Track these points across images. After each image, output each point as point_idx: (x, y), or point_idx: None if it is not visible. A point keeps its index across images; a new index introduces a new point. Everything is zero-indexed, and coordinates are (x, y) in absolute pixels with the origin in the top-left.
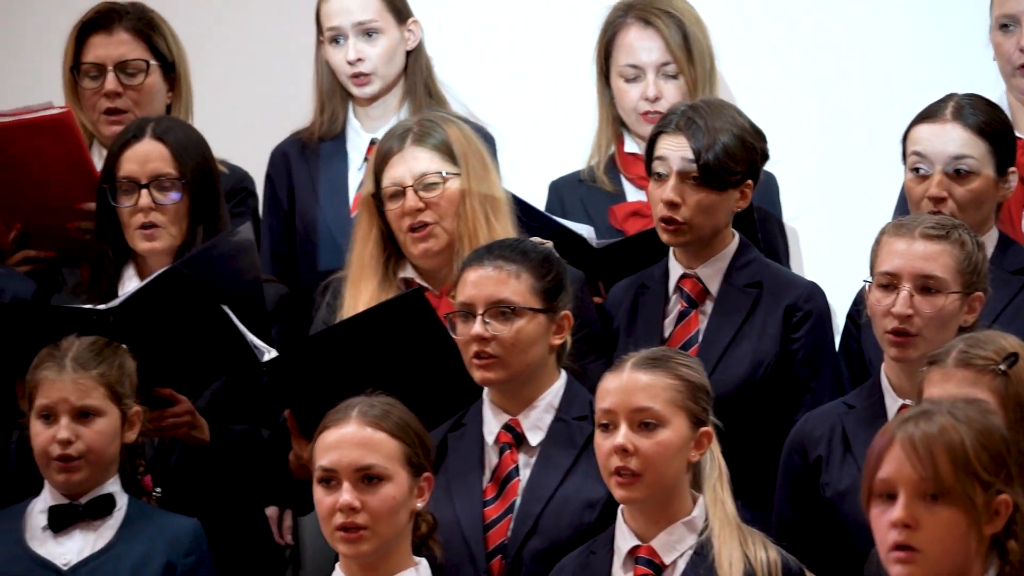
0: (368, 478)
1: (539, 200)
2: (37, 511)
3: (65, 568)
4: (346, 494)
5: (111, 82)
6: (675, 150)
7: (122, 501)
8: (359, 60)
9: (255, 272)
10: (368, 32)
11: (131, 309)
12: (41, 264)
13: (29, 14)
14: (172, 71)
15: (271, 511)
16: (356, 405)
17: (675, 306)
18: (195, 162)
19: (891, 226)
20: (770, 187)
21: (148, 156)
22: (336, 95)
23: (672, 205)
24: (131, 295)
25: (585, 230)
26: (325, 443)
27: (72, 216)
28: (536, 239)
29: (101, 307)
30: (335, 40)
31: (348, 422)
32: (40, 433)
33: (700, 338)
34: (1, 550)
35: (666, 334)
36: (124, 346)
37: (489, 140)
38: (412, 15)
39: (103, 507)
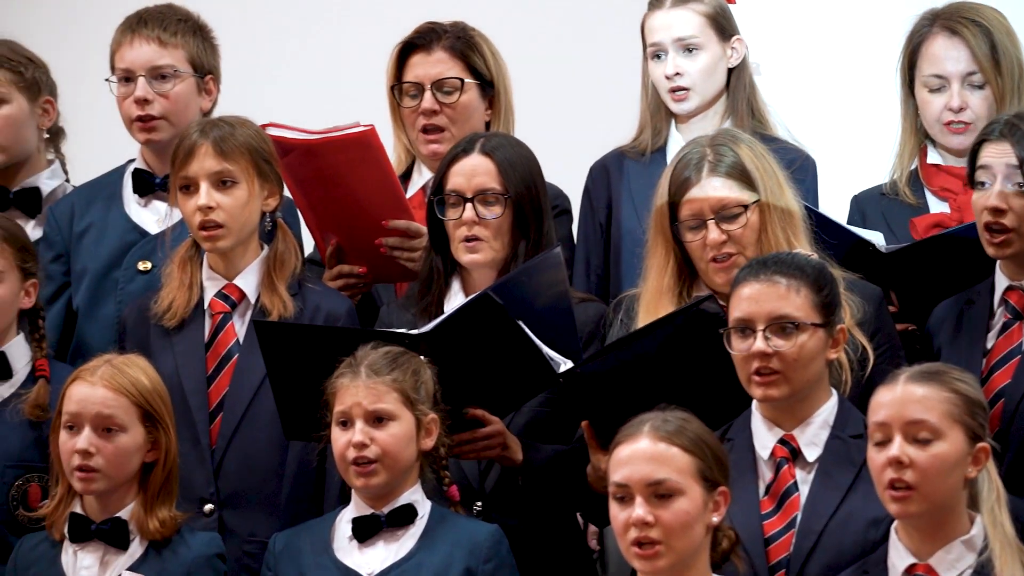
0: (661, 493)
1: (841, 214)
2: (344, 521)
3: None
4: (639, 509)
5: (428, 100)
6: (999, 157)
7: (424, 509)
8: (677, 75)
9: (563, 291)
10: (688, 48)
11: (442, 333)
12: (354, 280)
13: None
14: (491, 89)
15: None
16: (648, 420)
17: (999, 319)
18: (521, 179)
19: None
20: None
21: (475, 171)
22: (660, 111)
23: (997, 211)
24: (441, 321)
25: (875, 236)
26: (618, 458)
27: (379, 233)
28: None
29: (412, 332)
30: (656, 55)
31: (640, 437)
32: (338, 439)
33: (1022, 350)
34: (311, 559)
35: (988, 346)
36: (421, 356)
37: (809, 167)
38: (737, 32)
39: (405, 516)
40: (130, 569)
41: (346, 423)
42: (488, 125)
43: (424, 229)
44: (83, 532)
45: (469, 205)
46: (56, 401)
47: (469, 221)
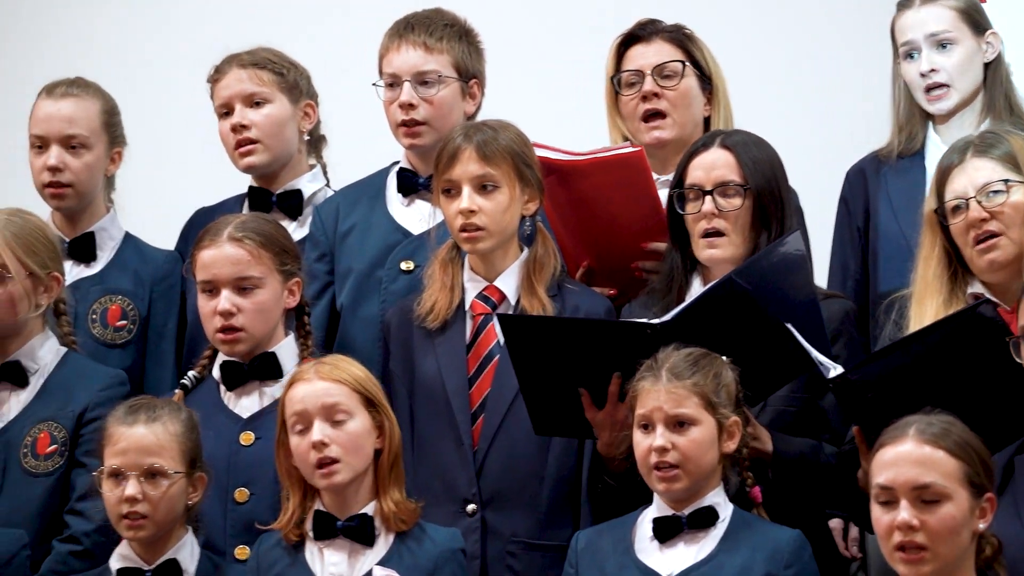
0: (927, 499)
1: None
2: (646, 522)
3: None
4: (904, 512)
5: (649, 84)
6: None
7: (725, 512)
8: (932, 71)
9: (809, 289)
10: (942, 43)
11: (686, 321)
12: None
13: None
14: (709, 83)
15: (835, 523)
16: (914, 423)
17: None
18: (761, 172)
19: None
20: None
21: (714, 164)
22: (915, 115)
23: None
24: (684, 308)
25: None
26: (882, 460)
27: (633, 255)
28: None
29: (655, 321)
30: (909, 55)
31: (905, 439)
32: (640, 443)
33: None
34: (612, 558)
35: None
36: (724, 358)
37: None
38: (990, 27)
39: (706, 518)
40: (379, 564)
41: (647, 427)
42: (708, 120)
43: None
44: (328, 529)
45: (708, 198)
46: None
47: (708, 213)
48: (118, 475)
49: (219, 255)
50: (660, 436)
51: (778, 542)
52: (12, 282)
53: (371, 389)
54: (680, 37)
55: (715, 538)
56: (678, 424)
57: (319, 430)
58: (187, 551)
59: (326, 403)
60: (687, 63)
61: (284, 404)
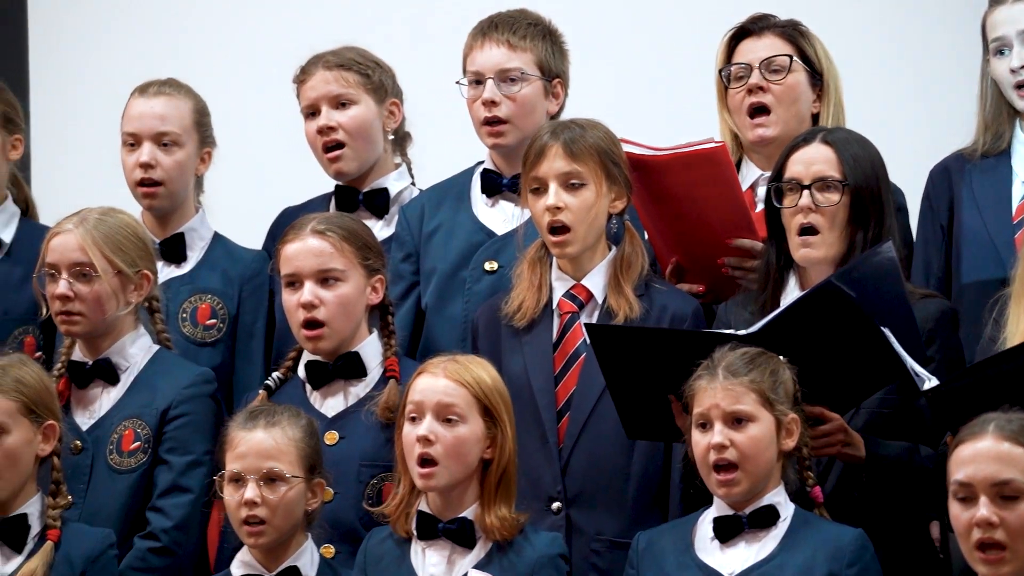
0: (1007, 495)
1: None
2: (706, 522)
3: None
4: (983, 508)
5: (755, 77)
6: None
7: (787, 512)
8: (1023, 67)
9: (902, 297)
10: None
11: (776, 329)
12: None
13: None
14: (820, 80)
15: (936, 528)
16: (992, 420)
17: None
18: (862, 169)
19: None
20: None
21: (814, 159)
22: (1003, 113)
23: None
24: (773, 318)
25: None
26: (961, 457)
27: (723, 252)
28: None
29: (740, 333)
30: (1000, 51)
31: (984, 436)
32: (698, 442)
33: None
34: (672, 558)
35: None
36: (780, 357)
37: None
38: None
39: (767, 518)
40: (476, 567)
41: (705, 425)
42: (816, 117)
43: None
44: (430, 530)
45: (806, 192)
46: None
47: (805, 208)
48: (238, 480)
49: (302, 248)
50: (718, 433)
51: (840, 541)
52: (99, 281)
53: (492, 398)
54: (791, 32)
55: (776, 537)
56: (736, 421)
57: (427, 426)
58: (307, 558)
59: (442, 401)
60: (795, 58)
61: (407, 391)
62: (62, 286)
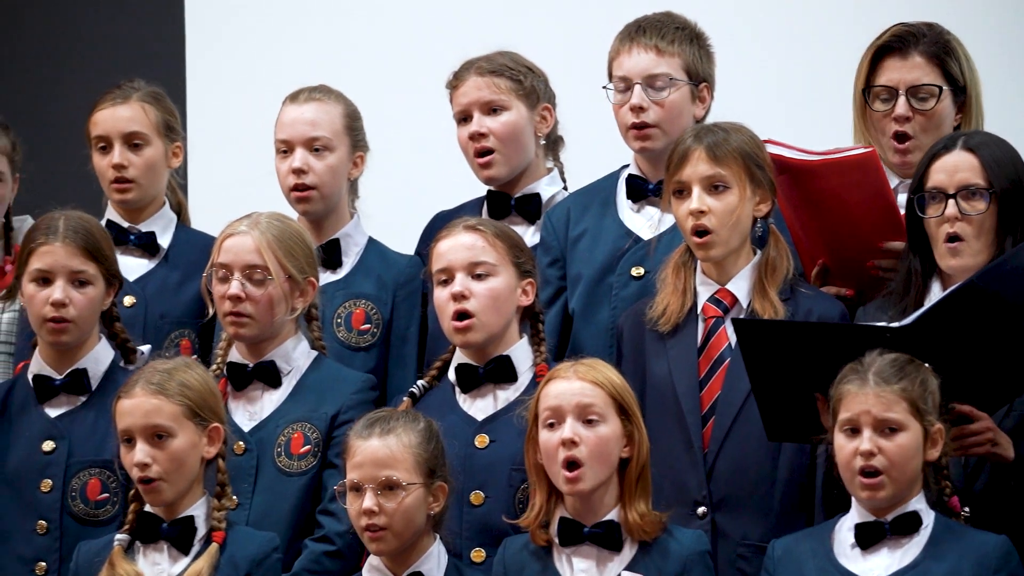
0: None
1: None
2: (845, 529)
3: None
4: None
5: (901, 107)
6: None
7: (928, 519)
8: None
9: None
10: None
11: (925, 326)
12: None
13: None
14: (963, 95)
15: None
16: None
17: None
18: (1006, 174)
19: None
20: None
21: (957, 166)
22: None
23: None
24: (924, 313)
25: None
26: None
27: (873, 254)
28: None
29: (894, 325)
30: None
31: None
32: (844, 447)
33: None
34: (811, 564)
35: None
36: (927, 364)
37: None
38: None
39: (909, 524)
40: (627, 569)
41: (853, 430)
42: (956, 127)
43: None
44: (574, 536)
45: (951, 201)
46: None
47: (951, 218)
48: (357, 488)
49: (454, 243)
50: (867, 440)
51: (985, 547)
52: (272, 284)
53: (626, 397)
54: (938, 52)
55: (919, 544)
56: (886, 429)
57: (570, 428)
58: (434, 561)
59: (581, 403)
60: (944, 87)
61: (538, 399)
62: (234, 287)
